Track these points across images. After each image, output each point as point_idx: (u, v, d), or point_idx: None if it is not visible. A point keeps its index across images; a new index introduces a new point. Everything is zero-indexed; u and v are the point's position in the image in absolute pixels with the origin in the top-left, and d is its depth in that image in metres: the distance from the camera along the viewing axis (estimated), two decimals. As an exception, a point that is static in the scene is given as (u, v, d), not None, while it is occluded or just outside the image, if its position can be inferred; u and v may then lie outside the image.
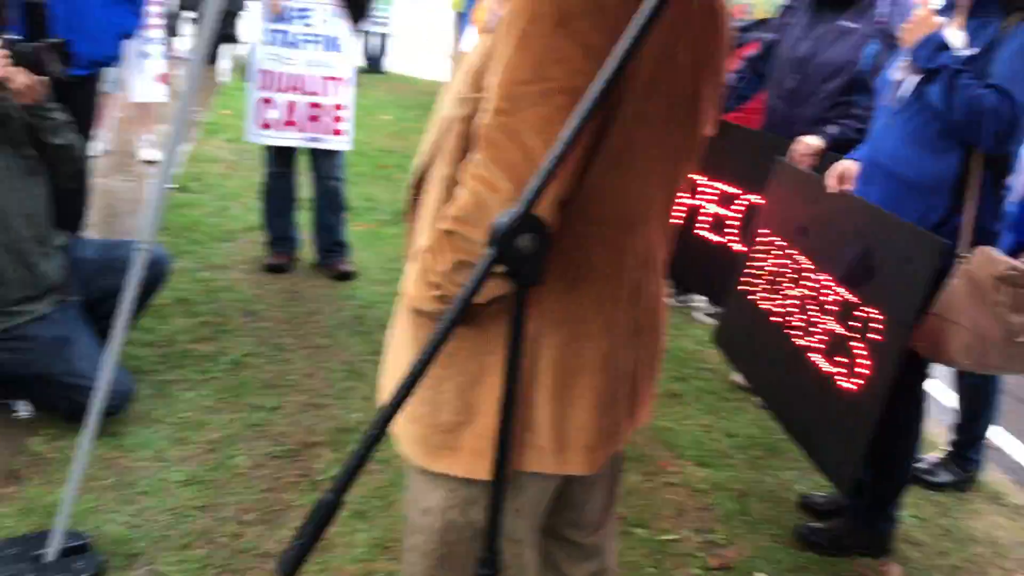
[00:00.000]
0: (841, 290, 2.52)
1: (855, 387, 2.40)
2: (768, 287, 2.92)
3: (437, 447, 1.39)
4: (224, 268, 4.41)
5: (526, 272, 0.99)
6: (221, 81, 8.85)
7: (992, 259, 2.37)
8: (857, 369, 2.40)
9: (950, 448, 3.35)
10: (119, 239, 3.94)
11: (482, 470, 1.34)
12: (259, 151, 4.63)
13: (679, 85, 1.34)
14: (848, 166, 2.70)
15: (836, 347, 2.50)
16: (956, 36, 2.37)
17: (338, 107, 4.35)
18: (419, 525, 1.47)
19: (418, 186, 1.45)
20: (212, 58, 8.64)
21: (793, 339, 2.72)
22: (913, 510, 3.04)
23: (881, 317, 2.35)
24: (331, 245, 4.59)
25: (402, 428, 1.45)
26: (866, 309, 2.40)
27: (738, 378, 3.84)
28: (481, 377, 1.35)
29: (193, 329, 3.68)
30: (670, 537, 2.77)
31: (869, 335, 2.38)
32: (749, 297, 3.02)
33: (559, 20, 1.17)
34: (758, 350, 2.97)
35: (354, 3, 4.27)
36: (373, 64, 11.58)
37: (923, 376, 2.62)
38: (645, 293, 1.47)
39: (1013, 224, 2.72)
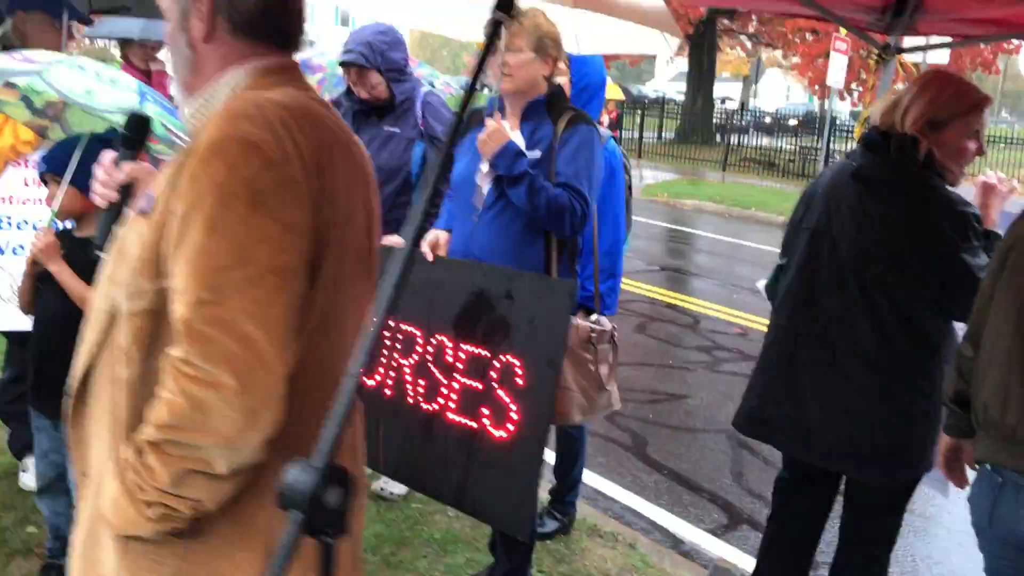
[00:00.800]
0: (466, 347, 2.60)
1: (508, 433, 2.49)
2: (374, 367, 2.86)
3: None
4: None
5: (334, 527, 0.88)
6: None
7: (578, 327, 2.70)
8: (509, 415, 2.49)
9: (550, 496, 3.65)
10: None
11: None
12: None
13: (359, 241, 1.35)
14: (439, 234, 2.86)
15: (475, 401, 2.57)
16: (518, 139, 2.65)
17: None
18: None
19: (80, 392, 1.29)
20: None
21: (421, 407, 2.70)
22: (535, 566, 3.25)
23: (520, 363, 2.48)
24: None
25: None
26: (502, 359, 2.51)
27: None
28: None
29: None
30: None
31: (514, 382, 2.49)
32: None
33: (252, 200, 1.11)
34: (383, 431, 2.86)
35: None
36: None
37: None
38: (355, 454, 1.46)
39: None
